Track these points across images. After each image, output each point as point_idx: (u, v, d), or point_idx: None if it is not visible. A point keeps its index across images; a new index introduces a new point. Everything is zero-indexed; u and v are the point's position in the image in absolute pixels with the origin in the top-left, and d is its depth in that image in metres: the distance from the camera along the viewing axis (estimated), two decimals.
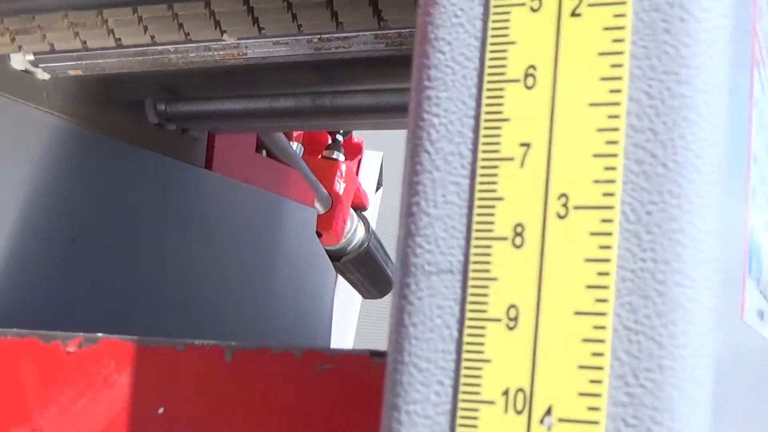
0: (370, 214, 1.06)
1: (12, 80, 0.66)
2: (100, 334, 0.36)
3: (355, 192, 0.94)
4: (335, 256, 0.92)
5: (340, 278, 1.04)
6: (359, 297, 1.23)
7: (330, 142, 0.89)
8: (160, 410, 0.34)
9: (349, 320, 1.39)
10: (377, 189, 1.22)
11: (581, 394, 0.22)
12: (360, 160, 0.98)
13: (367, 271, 0.98)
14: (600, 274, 0.21)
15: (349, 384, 0.33)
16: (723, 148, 0.22)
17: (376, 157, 1.20)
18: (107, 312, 0.77)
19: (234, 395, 0.34)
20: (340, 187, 0.88)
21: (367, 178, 1.11)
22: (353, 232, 0.92)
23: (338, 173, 0.87)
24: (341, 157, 0.88)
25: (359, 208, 0.96)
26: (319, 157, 0.88)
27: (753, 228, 0.25)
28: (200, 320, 0.90)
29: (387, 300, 0.95)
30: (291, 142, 0.86)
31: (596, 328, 0.21)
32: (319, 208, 0.88)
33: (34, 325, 0.66)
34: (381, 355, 0.26)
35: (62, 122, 0.74)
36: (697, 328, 0.21)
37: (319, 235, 0.88)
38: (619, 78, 0.22)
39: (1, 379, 0.37)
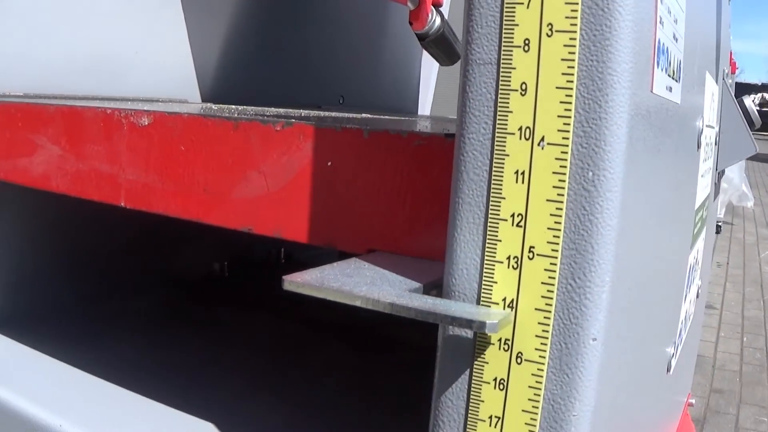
0: (444, 8, 1.35)
1: None
2: (293, 120, 0.53)
3: None
4: (421, 38, 1.26)
5: (425, 53, 1.43)
6: (437, 64, 1.65)
7: None
8: (329, 163, 0.51)
9: (431, 80, 1.89)
10: None
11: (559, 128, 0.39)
12: None
13: (443, 47, 1.29)
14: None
15: (433, 153, 0.48)
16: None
17: None
18: (281, 80, 1.27)
19: (367, 156, 0.50)
20: None
21: None
22: (433, 21, 1.22)
23: None
24: None
25: (437, 5, 1.24)
26: None
27: (661, 40, 0.41)
28: (337, 84, 1.42)
29: (453, 67, 1.37)
30: None
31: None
32: (410, 6, 1.20)
33: (240, 96, 1.16)
34: (451, 136, 0.41)
35: None
36: (618, 104, 0.38)
37: (410, 23, 1.21)
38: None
39: (239, 143, 0.54)
